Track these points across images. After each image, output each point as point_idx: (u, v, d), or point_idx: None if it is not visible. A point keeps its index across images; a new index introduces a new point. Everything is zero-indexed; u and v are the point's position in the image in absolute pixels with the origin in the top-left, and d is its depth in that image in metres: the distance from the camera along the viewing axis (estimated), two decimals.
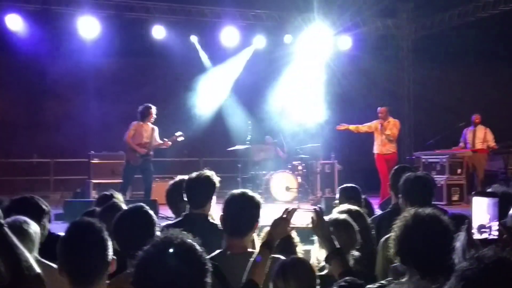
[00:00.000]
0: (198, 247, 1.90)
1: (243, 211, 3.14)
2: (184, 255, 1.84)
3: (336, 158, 12.61)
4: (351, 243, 3.28)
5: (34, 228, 2.95)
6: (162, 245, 1.85)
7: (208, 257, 2.98)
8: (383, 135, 10.66)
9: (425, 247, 2.45)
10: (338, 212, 3.66)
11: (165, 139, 10.04)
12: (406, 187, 4.14)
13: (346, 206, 3.88)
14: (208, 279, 1.88)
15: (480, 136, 11.72)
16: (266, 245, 2.84)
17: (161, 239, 1.89)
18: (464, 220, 2.26)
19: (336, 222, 3.35)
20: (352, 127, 11.16)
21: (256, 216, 3.18)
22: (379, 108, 10.86)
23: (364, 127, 11.03)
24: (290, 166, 12.35)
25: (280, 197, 11.81)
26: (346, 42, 14.72)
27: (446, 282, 1.67)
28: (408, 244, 2.51)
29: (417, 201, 3.90)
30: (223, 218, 3.20)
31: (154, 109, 9.89)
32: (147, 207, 3.10)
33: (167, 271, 1.80)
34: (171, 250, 1.83)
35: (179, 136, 10.02)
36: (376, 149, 10.83)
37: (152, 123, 9.98)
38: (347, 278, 2.59)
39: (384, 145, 10.68)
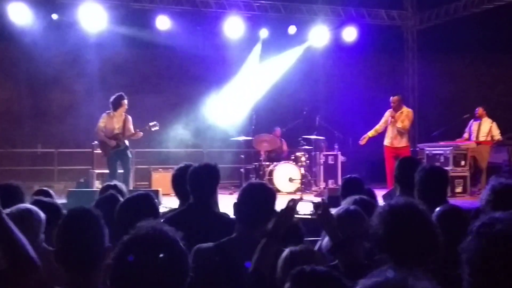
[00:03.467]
0: (179, 239, 1.85)
1: (261, 202, 3.15)
2: (165, 249, 1.79)
3: (340, 149, 12.59)
4: (362, 235, 3.23)
5: (37, 215, 2.96)
6: (141, 238, 1.80)
7: (216, 243, 3.00)
8: (395, 127, 10.47)
9: (402, 237, 2.43)
10: (348, 203, 3.61)
11: (137, 130, 9.86)
12: (421, 181, 4.07)
13: (357, 196, 3.82)
14: (189, 274, 1.84)
15: (485, 130, 11.65)
16: (272, 234, 2.84)
17: (139, 231, 1.83)
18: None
19: (347, 212, 3.29)
20: (371, 133, 10.71)
21: (273, 207, 3.19)
22: (391, 98, 10.69)
23: (381, 126, 10.65)
24: (293, 157, 12.36)
25: (283, 188, 11.81)
26: (350, 33, 14.66)
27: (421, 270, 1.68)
28: (385, 234, 2.49)
29: (432, 196, 3.88)
30: (238, 207, 3.20)
31: (125, 100, 9.75)
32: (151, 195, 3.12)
33: (146, 266, 1.75)
34: (151, 245, 1.78)
35: (153, 125, 9.90)
36: (386, 141, 10.58)
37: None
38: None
39: (395, 137, 10.44)
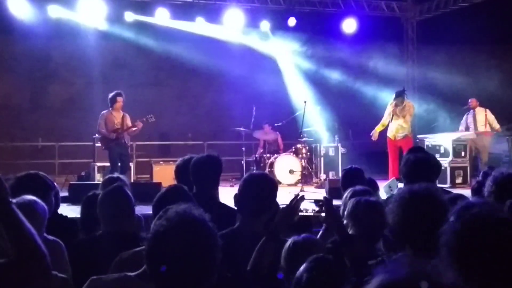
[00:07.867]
0: (209, 221, 1.94)
1: (262, 192, 3.14)
2: (196, 230, 1.89)
3: (340, 141, 12.60)
4: (380, 226, 3.20)
5: (42, 207, 2.98)
6: (175, 219, 1.89)
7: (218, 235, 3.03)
8: (399, 119, 10.56)
9: (419, 223, 2.45)
10: (353, 192, 3.58)
11: (137, 120, 10.08)
12: (406, 169, 4.12)
13: (359, 187, 3.79)
14: (219, 253, 1.93)
15: (481, 119, 11.68)
16: (272, 234, 2.83)
17: (173, 213, 1.92)
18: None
19: (367, 204, 3.22)
20: (378, 128, 10.87)
21: (275, 198, 3.19)
22: (395, 93, 10.80)
23: (386, 119, 10.82)
24: (293, 149, 12.37)
25: (284, 180, 11.82)
26: (350, 25, 14.63)
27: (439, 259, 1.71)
28: (403, 220, 2.52)
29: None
30: (239, 198, 3.19)
31: (121, 97, 10.01)
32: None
33: (180, 245, 1.84)
34: (183, 224, 1.88)
35: (150, 117, 10.16)
36: (389, 134, 10.72)
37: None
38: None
39: (397, 131, 10.61)
